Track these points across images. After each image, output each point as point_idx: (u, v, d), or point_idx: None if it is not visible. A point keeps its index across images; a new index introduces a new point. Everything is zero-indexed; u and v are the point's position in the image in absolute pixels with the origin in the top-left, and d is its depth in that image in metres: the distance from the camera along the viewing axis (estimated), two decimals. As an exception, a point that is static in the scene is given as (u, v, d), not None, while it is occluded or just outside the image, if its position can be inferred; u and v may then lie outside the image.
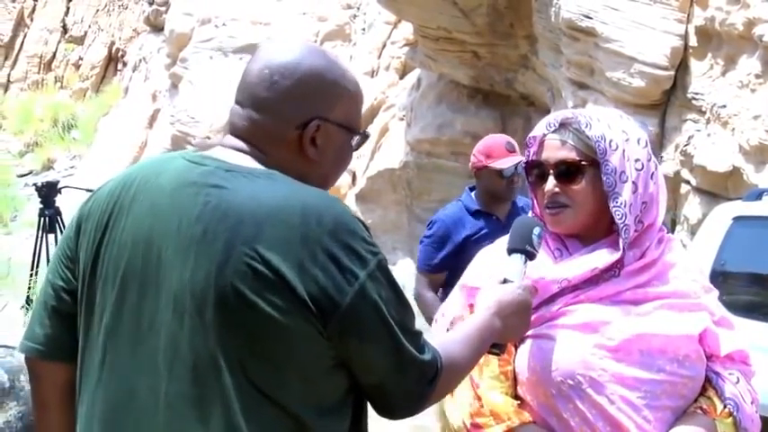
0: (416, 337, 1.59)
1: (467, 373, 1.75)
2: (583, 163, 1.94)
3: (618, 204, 1.93)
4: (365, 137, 1.71)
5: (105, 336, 1.59)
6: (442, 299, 3.96)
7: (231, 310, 1.48)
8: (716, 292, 2.07)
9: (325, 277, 1.48)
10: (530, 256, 1.90)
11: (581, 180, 1.95)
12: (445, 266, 3.96)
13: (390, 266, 1.59)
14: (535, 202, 2.05)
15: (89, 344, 1.63)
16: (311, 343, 1.49)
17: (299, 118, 1.61)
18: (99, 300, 1.61)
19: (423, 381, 1.58)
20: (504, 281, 1.86)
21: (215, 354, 1.49)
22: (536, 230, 1.91)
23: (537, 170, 2.01)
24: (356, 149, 1.72)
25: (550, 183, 1.97)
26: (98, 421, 1.59)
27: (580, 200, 1.96)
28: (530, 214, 2.09)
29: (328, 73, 1.63)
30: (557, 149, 1.97)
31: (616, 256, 1.94)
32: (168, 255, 1.53)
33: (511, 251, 1.91)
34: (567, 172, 1.96)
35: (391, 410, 1.61)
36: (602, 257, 1.95)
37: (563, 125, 1.98)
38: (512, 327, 1.81)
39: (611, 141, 1.93)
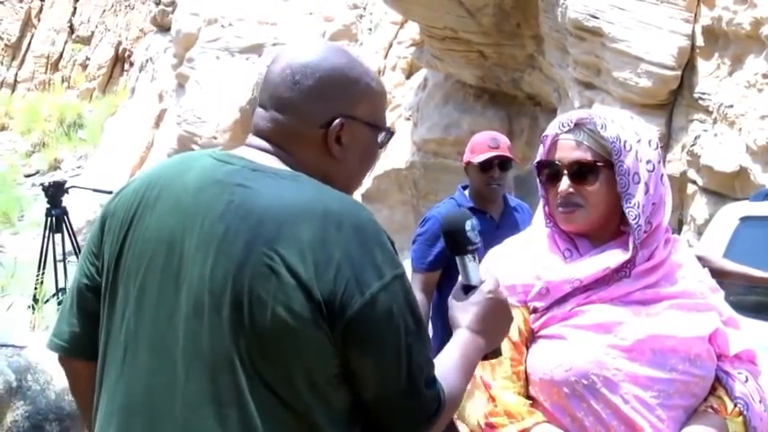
0: (426, 365, 1.54)
1: (460, 402, 1.68)
2: (598, 164, 1.94)
3: (631, 205, 1.93)
4: (390, 134, 1.70)
5: (126, 332, 1.60)
6: (437, 301, 3.98)
7: (246, 310, 1.48)
8: (722, 293, 2.08)
9: (338, 282, 1.47)
10: (473, 252, 1.80)
11: (595, 181, 1.95)
12: (439, 263, 3.94)
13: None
14: (545, 201, 2.04)
15: (111, 339, 1.63)
16: (319, 348, 1.48)
17: (323, 117, 1.60)
18: (121, 295, 1.61)
19: (422, 415, 1.54)
20: (465, 287, 1.76)
21: (230, 353, 1.49)
22: (467, 225, 1.79)
23: (549, 170, 2.00)
24: (382, 147, 1.71)
25: (564, 183, 1.96)
26: (117, 418, 1.59)
27: (594, 200, 1.96)
28: (538, 216, 2.08)
29: (350, 71, 1.62)
30: (571, 150, 1.97)
31: (627, 255, 1.94)
32: (190, 252, 1.53)
33: (454, 254, 1.80)
34: (582, 172, 1.96)
35: None
36: (613, 257, 1.95)
37: (577, 125, 1.98)
38: (496, 334, 1.75)
39: (625, 142, 1.94)
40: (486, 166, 3.97)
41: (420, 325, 1.55)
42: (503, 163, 3.99)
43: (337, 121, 1.60)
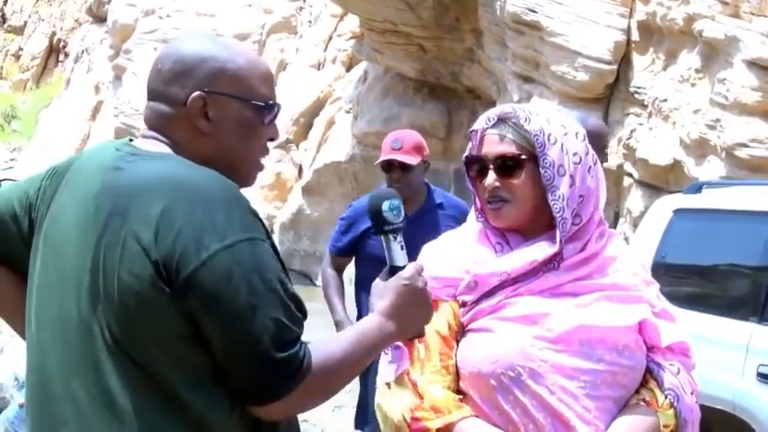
0: (277, 328, 1.54)
1: (347, 376, 1.68)
2: (522, 157, 1.96)
3: (556, 198, 1.95)
4: (271, 107, 1.71)
5: (28, 305, 1.71)
6: (357, 279, 4.18)
7: (101, 278, 1.56)
8: (657, 286, 2.10)
9: (176, 244, 1.52)
10: (395, 231, 1.80)
11: (520, 174, 1.97)
12: (348, 251, 4.17)
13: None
14: (476, 197, 2.06)
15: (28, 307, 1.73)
16: (162, 309, 1.53)
17: (183, 95, 1.67)
18: (30, 267, 1.73)
19: (273, 377, 1.53)
20: (392, 269, 1.77)
21: (90, 321, 1.57)
22: (385, 205, 1.80)
23: (477, 165, 2.03)
24: (268, 123, 1.72)
25: (490, 177, 1.98)
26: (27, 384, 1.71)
27: (520, 194, 1.97)
28: (472, 211, 2.10)
29: (207, 50, 1.69)
30: (496, 144, 1.99)
31: (554, 249, 1.96)
32: (71, 230, 1.63)
33: (378, 234, 1.81)
34: (507, 166, 1.97)
35: (241, 397, 1.57)
36: (541, 250, 1.97)
37: (502, 120, 2.00)
38: (409, 320, 1.75)
39: (549, 135, 1.96)
40: (386, 167, 4.05)
41: (272, 287, 1.55)
42: (404, 165, 4.04)
43: (195, 94, 1.65)
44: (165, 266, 1.52)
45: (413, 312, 1.74)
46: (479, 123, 2.02)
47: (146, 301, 1.53)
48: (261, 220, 1.60)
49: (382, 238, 1.79)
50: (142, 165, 1.62)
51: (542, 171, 1.95)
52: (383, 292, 1.74)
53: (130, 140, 1.73)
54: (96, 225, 1.58)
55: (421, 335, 1.80)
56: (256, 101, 1.70)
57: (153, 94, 1.71)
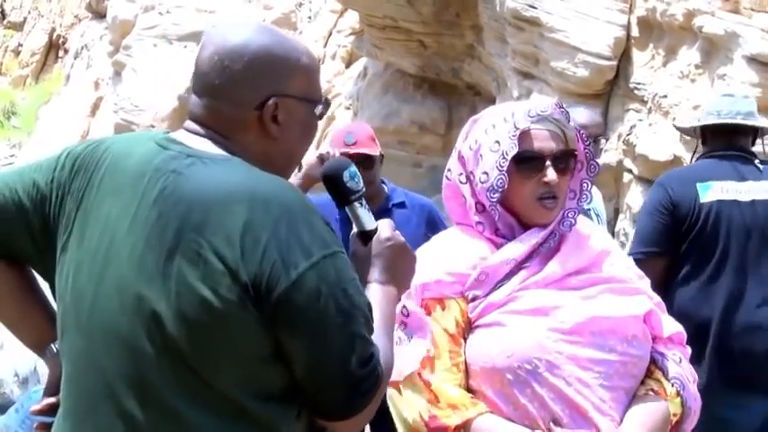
0: (361, 344, 1.54)
1: (393, 364, 1.70)
2: (576, 153, 2.03)
3: (583, 186, 2.07)
4: (327, 104, 1.71)
5: (63, 311, 1.62)
6: None
7: (174, 296, 1.49)
8: (647, 280, 2.16)
9: (265, 264, 1.48)
10: (360, 198, 1.80)
11: (572, 169, 2.04)
12: None
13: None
14: (504, 195, 2.00)
15: (59, 313, 1.65)
16: (248, 331, 1.50)
17: (256, 99, 1.61)
18: (60, 272, 1.64)
19: (353, 394, 1.53)
20: (362, 234, 1.77)
21: (154, 337, 1.50)
22: (346, 176, 1.79)
23: (528, 161, 2.00)
24: (320, 119, 1.72)
25: (552, 174, 1.99)
26: (65, 389, 1.63)
27: (565, 188, 2.04)
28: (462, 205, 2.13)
29: (277, 49, 1.63)
30: (548, 140, 2.01)
31: (548, 227, 2.02)
32: (121, 235, 1.55)
33: (343, 206, 1.81)
34: (565, 162, 2.02)
35: (319, 412, 1.57)
36: (538, 232, 2.03)
37: (546, 116, 2.01)
38: (403, 277, 1.77)
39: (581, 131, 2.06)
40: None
41: (350, 298, 1.54)
42: (363, 160, 3.61)
43: (271, 101, 1.61)
44: (255, 287, 1.48)
45: (404, 267, 1.76)
46: (521, 120, 1.99)
47: (229, 323, 1.48)
48: (331, 227, 1.59)
49: (347, 208, 1.78)
50: (205, 170, 1.54)
51: (578, 164, 2.06)
52: (375, 261, 1.73)
53: (167, 133, 1.65)
54: (164, 236, 1.50)
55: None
56: (319, 101, 1.68)
57: (213, 92, 1.61)
